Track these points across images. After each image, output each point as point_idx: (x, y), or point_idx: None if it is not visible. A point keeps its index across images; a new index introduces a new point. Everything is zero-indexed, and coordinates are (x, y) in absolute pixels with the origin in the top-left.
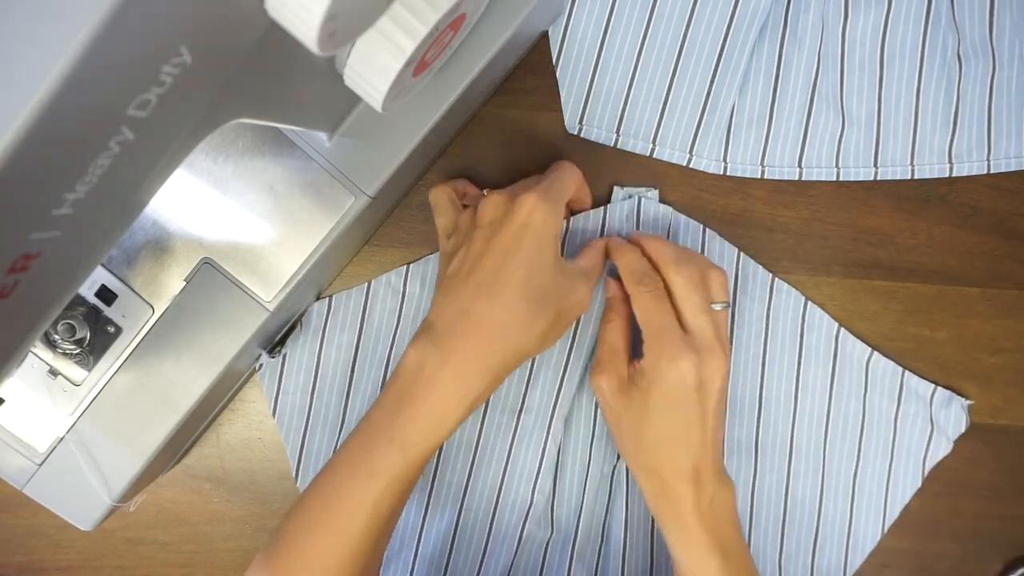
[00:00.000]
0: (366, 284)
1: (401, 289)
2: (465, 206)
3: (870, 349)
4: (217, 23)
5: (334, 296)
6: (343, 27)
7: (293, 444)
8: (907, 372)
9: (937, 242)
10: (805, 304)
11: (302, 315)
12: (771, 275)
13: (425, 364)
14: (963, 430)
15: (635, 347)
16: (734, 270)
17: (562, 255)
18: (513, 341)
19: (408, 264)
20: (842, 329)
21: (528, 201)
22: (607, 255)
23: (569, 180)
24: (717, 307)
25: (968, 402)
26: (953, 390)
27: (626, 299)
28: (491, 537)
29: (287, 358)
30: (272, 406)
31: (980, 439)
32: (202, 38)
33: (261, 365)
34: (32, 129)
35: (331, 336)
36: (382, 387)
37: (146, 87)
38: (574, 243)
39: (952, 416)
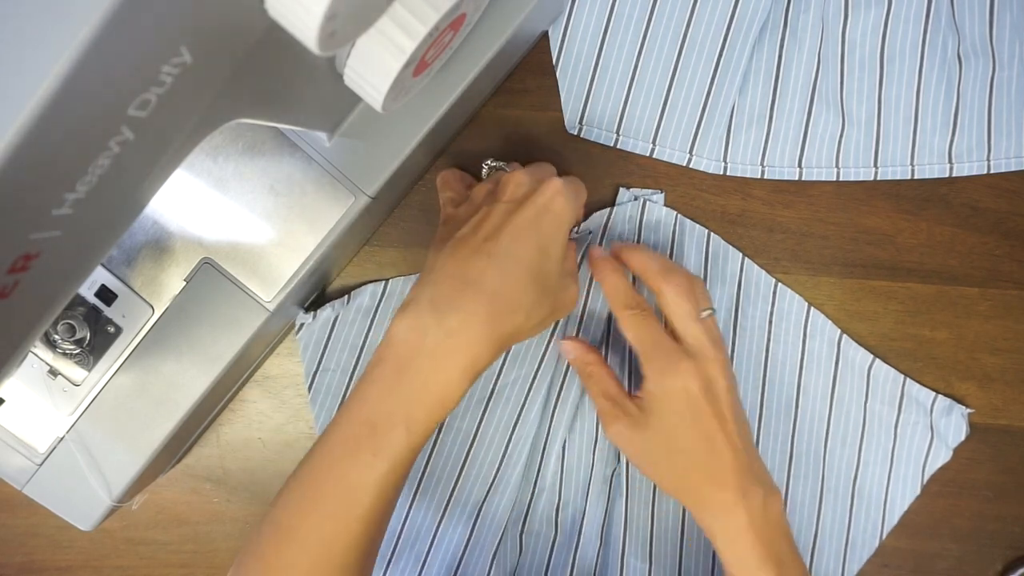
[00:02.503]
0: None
1: None
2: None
3: (872, 356)
4: (217, 23)
5: (391, 280)
6: (343, 27)
7: (324, 423)
8: (908, 380)
9: (937, 242)
10: (808, 310)
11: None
12: (774, 281)
13: (426, 335)
14: (963, 438)
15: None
16: (737, 275)
17: None
18: (516, 321)
19: None
20: (844, 336)
21: (553, 186)
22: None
23: (582, 189)
24: (705, 314)
25: (969, 410)
26: (953, 390)
27: (590, 349)
28: (502, 542)
29: (333, 334)
30: (309, 381)
31: (980, 439)
32: (202, 38)
33: (301, 325)
34: (32, 129)
35: (381, 320)
36: None
37: (146, 87)
38: (579, 244)
39: (952, 424)
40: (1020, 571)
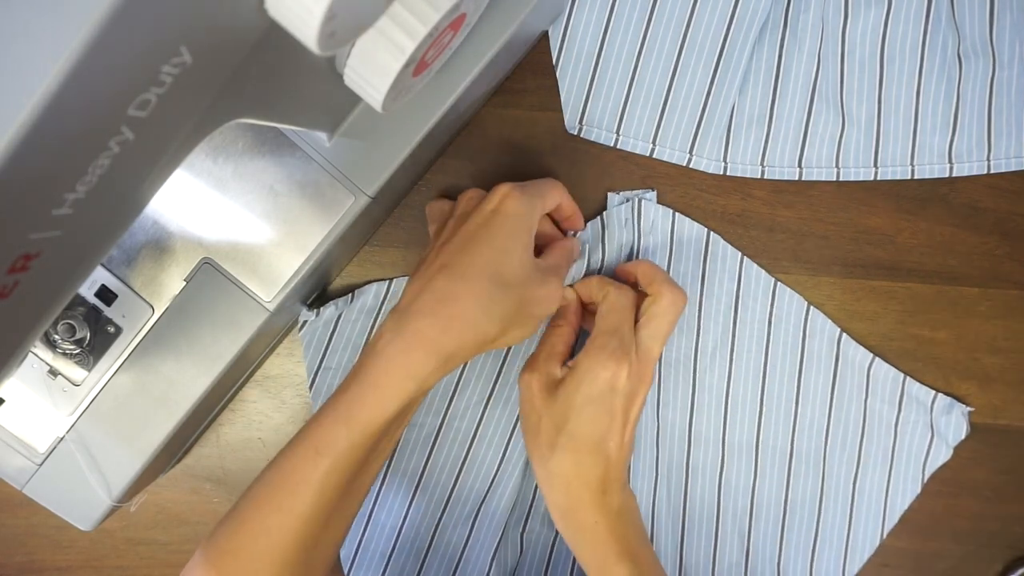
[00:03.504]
0: None
1: None
2: None
3: (871, 355)
4: (217, 23)
5: (395, 280)
6: (343, 27)
7: None
8: (908, 379)
9: (937, 242)
10: (807, 309)
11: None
12: (773, 280)
13: (380, 338)
14: (963, 437)
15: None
16: (736, 273)
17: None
18: (471, 320)
19: None
20: (844, 335)
21: (500, 190)
22: (573, 257)
23: (549, 188)
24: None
25: (969, 409)
26: (953, 390)
27: (579, 311)
28: (502, 541)
29: (336, 332)
30: (311, 379)
31: (980, 439)
32: (202, 38)
33: (305, 322)
34: (32, 129)
35: (384, 319)
36: None
37: (146, 87)
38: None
39: (952, 423)
40: (1020, 571)
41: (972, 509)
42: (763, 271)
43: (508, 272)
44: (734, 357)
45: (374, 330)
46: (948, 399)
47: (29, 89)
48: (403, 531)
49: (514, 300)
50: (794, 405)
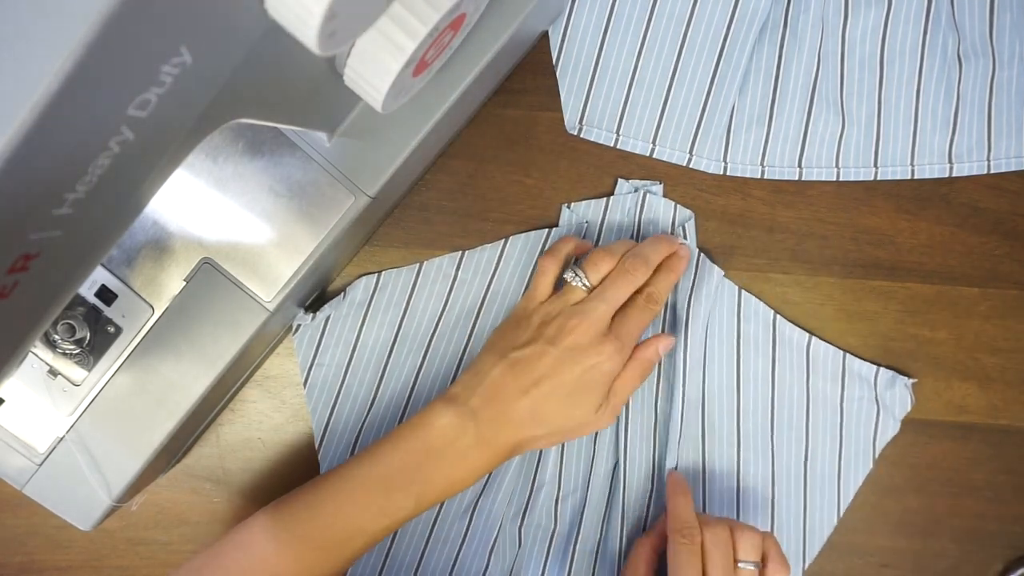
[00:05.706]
0: (417, 264)
1: (452, 275)
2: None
3: (808, 334)
4: (217, 23)
5: (383, 272)
6: (343, 27)
7: (320, 418)
8: (848, 355)
9: (937, 242)
10: (739, 294)
11: (336, 275)
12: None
13: (462, 436)
14: (909, 409)
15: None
16: (693, 268)
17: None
18: (537, 440)
19: (463, 251)
20: (778, 316)
21: (607, 351)
22: (644, 378)
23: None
24: (746, 567)
25: (911, 380)
26: (953, 390)
27: (657, 545)
28: (500, 536)
29: (327, 330)
30: (304, 376)
31: (980, 439)
32: (202, 38)
33: (299, 326)
34: (32, 129)
35: (375, 313)
36: (418, 374)
37: (146, 87)
38: (576, 233)
39: (897, 396)
40: (1020, 571)
41: (972, 509)
42: (707, 261)
43: (576, 419)
44: (676, 351)
45: (367, 318)
46: (890, 373)
47: (30, 89)
48: (402, 528)
49: (572, 430)
50: (735, 391)
